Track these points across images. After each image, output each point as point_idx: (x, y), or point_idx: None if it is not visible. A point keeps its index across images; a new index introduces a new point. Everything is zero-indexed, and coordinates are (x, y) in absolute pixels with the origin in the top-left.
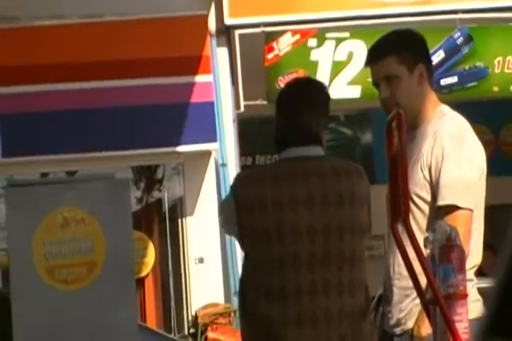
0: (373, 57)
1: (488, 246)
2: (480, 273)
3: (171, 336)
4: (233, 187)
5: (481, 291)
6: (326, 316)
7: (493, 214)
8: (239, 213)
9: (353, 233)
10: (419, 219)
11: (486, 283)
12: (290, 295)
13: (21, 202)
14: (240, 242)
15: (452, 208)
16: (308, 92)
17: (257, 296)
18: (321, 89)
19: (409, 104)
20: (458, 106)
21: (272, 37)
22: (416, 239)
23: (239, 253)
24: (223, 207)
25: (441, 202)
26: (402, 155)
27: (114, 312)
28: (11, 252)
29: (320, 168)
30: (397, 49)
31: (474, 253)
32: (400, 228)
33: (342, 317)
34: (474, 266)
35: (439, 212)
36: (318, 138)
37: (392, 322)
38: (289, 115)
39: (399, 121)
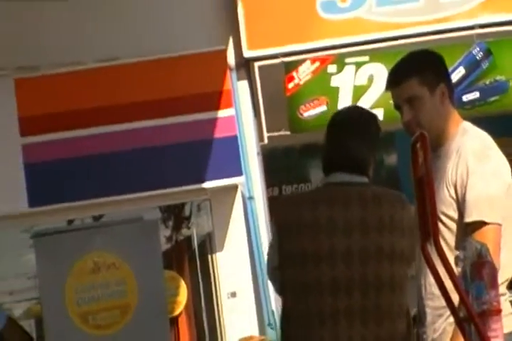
0: (394, 80)
1: None
2: (510, 285)
3: None
4: (273, 211)
5: None
6: None
7: None
8: (279, 236)
9: (392, 259)
10: (447, 238)
11: None
12: (328, 319)
13: (51, 250)
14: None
15: (480, 224)
16: (358, 120)
17: (296, 322)
18: (372, 119)
19: (432, 124)
20: (481, 121)
21: (291, 66)
22: (446, 257)
23: (271, 285)
24: (268, 247)
25: (469, 219)
26: (428, 176)
27: None
28: (43, 300)
29: (361, 194)
30: (418, 71)
31: (505, 267)
32: (430, 248)
33: None
34: (506, 280)
35: (467, 229)
36: (364, 167)
37: None
38: (337, 141)
39: (423, 142)
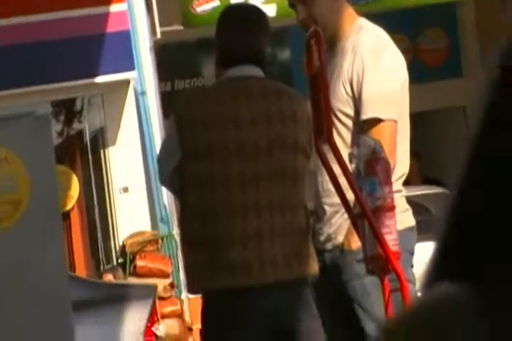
0: None
1: (412, 153)
2: (405, 182)
3: (100, 281)
4: (175, 106)
5: (407, 200)
6: (270, 233)
7: (415, 121)
8: (181, 132)
9: (295, 151)
10: (344, 135)
11: (411, 192)
12: (236, 213)
13: None
14: (179, 165)
15: (375, 121)
16: (249, 15)
17: (201, 216)
18: (262, 13)
19: (327, 21)
20: (375, 17)
21: None
22: (341, 155)
23: None
24: (163, 145)
25: (364, 116)
26: (323, 73)
27: (42, 249)
28: None
29: (263, 87)
30: None
31: (401, 164)
32: (324, 145)
33: (285, 235)
34: (402, 176)
35: (363, 127)
36: (260, 58)
37: (323, 238)
38: (231, 35)
39: (317, 39)
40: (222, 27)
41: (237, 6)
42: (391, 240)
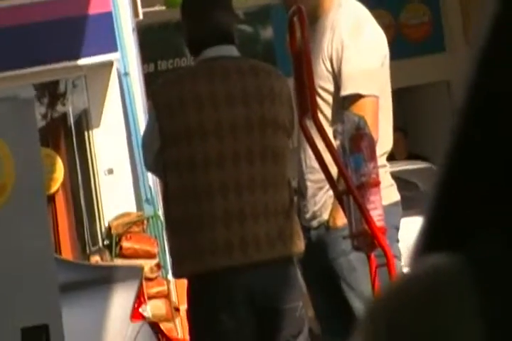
0: None
1: (398, 129)
2: (391, 157)
3: (86, 263)
4: (152, 92)
5: (394, 175)
6: (252, 212)
7: (399, 97)
8: (159, 117)
9: (275, 129)
10: (325, 112)
11: (397, 167)
12: (217, 194)
13: None
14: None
15: (356, 97)
16: None
17: (183, 199)
18: None
19: None
20: None
21: None
22: (325, 132)
23: None
24: (145, 130)
25: (345, 92)
26: (306, 51)
27: (28, 232)
28: None
29: (239, 66)
30: None
31: (384, 140)
32: (308, 122)
33: (268, 214)
34: (385, 152)
35: (344, 103)
36: (231, 37)
37: (308, 215)
38: (200, 16)
39: (300, 17)
40: (185, 10)
41: None
42: (376, 216)
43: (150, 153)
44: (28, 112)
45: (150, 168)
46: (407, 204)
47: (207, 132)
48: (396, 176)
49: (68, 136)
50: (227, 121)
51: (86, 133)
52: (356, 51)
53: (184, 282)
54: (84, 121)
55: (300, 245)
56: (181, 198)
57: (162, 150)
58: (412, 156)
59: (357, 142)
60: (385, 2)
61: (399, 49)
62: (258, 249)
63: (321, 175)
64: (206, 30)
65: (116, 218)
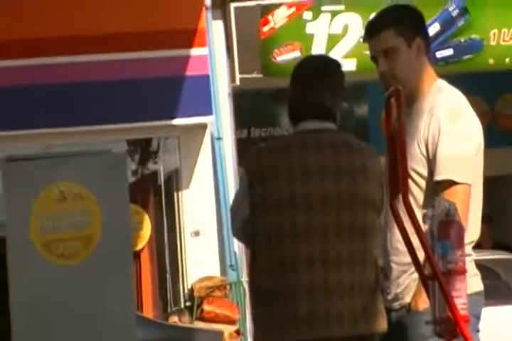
0: (372, 31)
1: (485, 218)
2: (476, 245)
3: (167, 323)
4: (244, 161)
5: (477, 264)
6: (338, 288)
7: (488, 186)
8: (251, 185)
9: (365, 206)
10: (416, 195)
11: (482, 256)
12: (303, 266)
13: (19, 176)
14: (248, 219)
15: (450, 183)
16: (324, 69)
17: (269, 269)
18: (337, 67)
19: (407, 78)
20: (454, 79)
21: (267, 10)
22: (415, 214)
23: None
24: (236, 197)
25: (439, 177)
26: (401, 132)
27: (112, 287)
28: (8, 226)
29: (333, 140)
30: (396, 23)
31: (472, 228)
32: (398, 204)
33: (353, 290)
34: (472, 241)
35: (436, 188)
36: (332, 116)
37: (390, 297)
38: (304, 91)
39: (398, 98)
40: (293, 81)
41: (312, 58)
42: (460, 304)
43: (239, 219)
44: (119, 167)
45: (237, 234)
46: (489, 294)
47: (297, 204)
48: (479, 264)
49: (157, 194)
50: (317, 195)
51: (175, 194)
52: (453, 137)
53: None
54: (175, 181)
55: (383, 324)
56: (267, 268)
57: (251, 218)
58: (497, 245)
59: (446, 228)
60: (482, 90)
61: (491, 138)
62: (341, 325)
63: (406, 258)
64: (307, 105)
65: (200, 281)
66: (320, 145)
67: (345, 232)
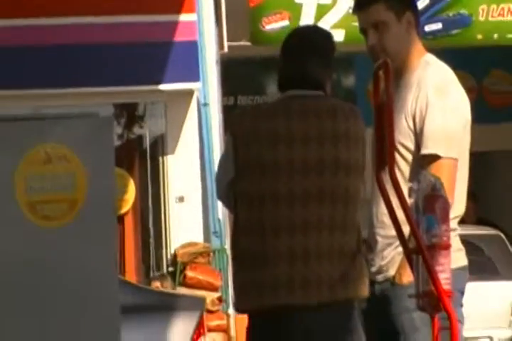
0: (362, 3)
1: (469, 194)
2: (460, 221)
3: (149, 288)
4: (230, 122)
5: (461, 239)
6: (318, 253)
7: (473, 162)
8: (235, 147)
9: (347, 171)
10: (402, 168)
11: (465, 231)
12: (283, 231)
13: (5, 137)
14: (232, 182)
15: (436, 157)
16: (314, 40)
17: (250, 233)
18: (327, 39)
19: (396, 51)
20: (442, 53)
21: None
22: (401, 188)
23: None
24: (221, 159)
25: (425, 151)
26: (389, 105)
27: (94, 250)
28: None
29: (318, 105)
30: None
31: (458, 203)
32: (384, 176)
33: (332, 255)
34: (458, 216)
35: (422, 161)
36: (321, 87)
37: (374, 269)
38: (294, 61)
39: (386, 70)
40: (283, 51)
41: (304, 29)
42: (444, 278)
43: (223, 182)
44: (106, 130)
45: (221, 197)
46: (471, 269)
47: (279, 169)
48: (463, 240)
49: (142, 159)
50: (299, 160)
51: (160, 159)
52: (441, 112)
53: (244, 317)
54: (160, 147)
55: (363, 289)
56: (248, 231)
57: (234, 182)
58: (481, 221)
59: (431, 203)
60: (470, 66)
61: (479, 114)
62: (319, 290)
63: (392, 231)
64: (296, 74)
65: (183, 246)
66: (304, 111)
67: (327, 197)
